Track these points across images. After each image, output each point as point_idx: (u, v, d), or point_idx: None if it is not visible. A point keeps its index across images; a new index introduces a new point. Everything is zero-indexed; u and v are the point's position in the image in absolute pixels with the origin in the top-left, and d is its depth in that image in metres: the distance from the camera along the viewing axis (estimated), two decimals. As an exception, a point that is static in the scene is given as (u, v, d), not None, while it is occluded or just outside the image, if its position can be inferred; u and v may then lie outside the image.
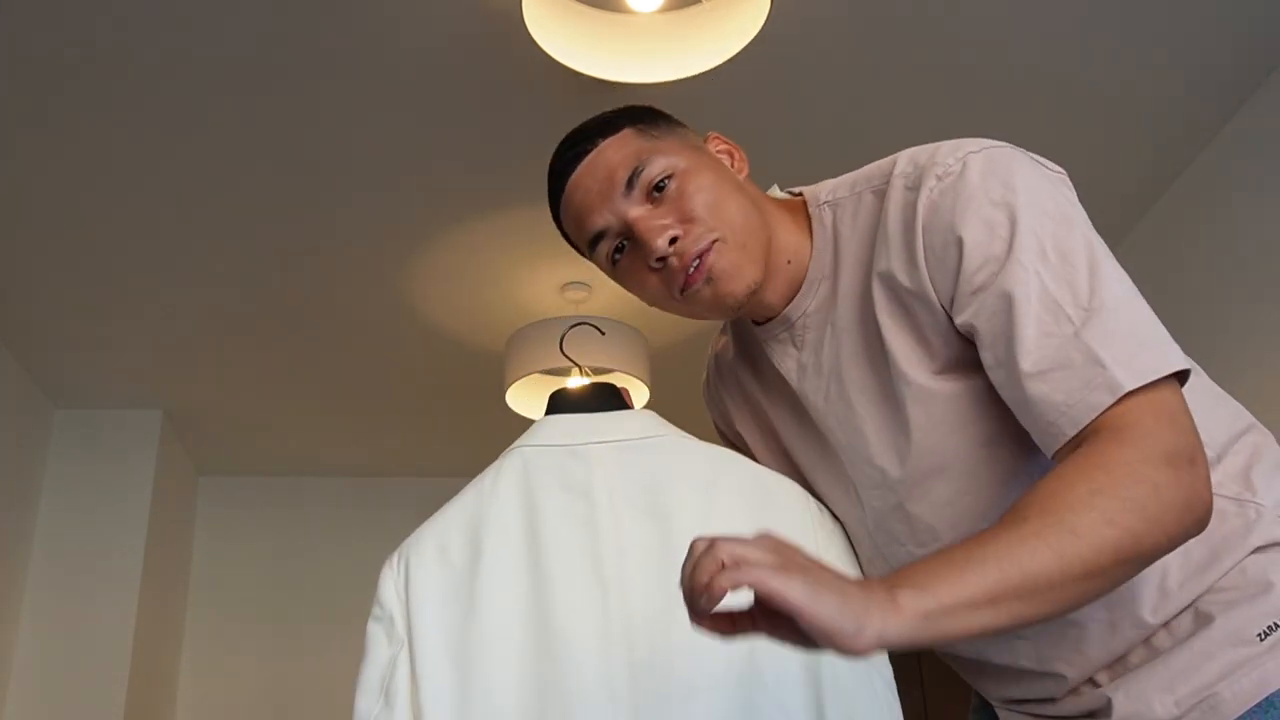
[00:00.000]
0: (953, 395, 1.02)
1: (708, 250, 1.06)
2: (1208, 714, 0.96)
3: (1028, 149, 1.05)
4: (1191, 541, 0.92)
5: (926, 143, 1.11)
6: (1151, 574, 0.99)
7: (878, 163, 1.11)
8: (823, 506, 1.14)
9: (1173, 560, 0.98)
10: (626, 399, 1.21)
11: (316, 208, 2.98)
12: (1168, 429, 0.88)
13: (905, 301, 1.03)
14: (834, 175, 1.18)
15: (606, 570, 1.06)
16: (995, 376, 0.97)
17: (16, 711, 3.61)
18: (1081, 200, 1.03)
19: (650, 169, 1.07)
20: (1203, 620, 0.98)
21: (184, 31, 2.33)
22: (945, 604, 0.77)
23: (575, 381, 3.25)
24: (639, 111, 1.14)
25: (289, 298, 3.42)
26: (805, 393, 1.13)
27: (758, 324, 1.18)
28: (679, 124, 1.16)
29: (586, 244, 1.12)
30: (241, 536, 4.66)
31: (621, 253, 1.10)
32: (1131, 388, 0.88)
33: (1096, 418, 0.89)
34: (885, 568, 1.10)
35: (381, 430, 4.43)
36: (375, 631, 1.08)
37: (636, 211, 1.07)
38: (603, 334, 1.49)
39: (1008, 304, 0.94)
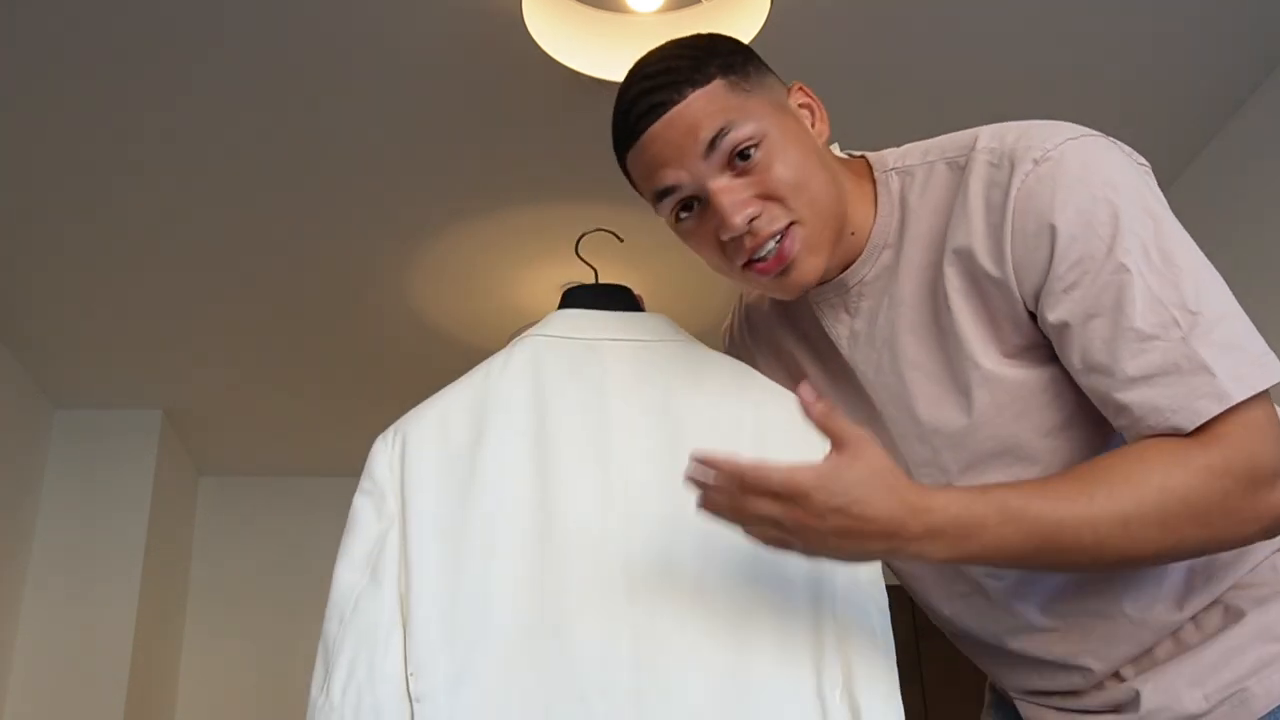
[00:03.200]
0: (1021, 382, 1.00)
1: (785, 234, 1.01)
2: (1237, 708, 0.96)
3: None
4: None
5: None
6: (1177, 566, 0.99)
7: (952, 135, 1.07)
8: None
9: (1196, 564, 0.99)
10: (640, 304, 1.18)
11: (316, 207, 2.98)
12: (1258, 442, 0.88)
13: (981, 283, 0.99)
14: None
15: (613, 467, 1.03)
16: (1087, 379, 0.94)
17: (16, 711, 3.60)
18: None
19: (736, 132, 0.99)
20: (1233, 615, 0.98)
21: (184, 33, 2.33)
22: (973, 559, 0.88)
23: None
24: (731, 55, 1.05)
25: (289, 297, 3.42)
26: (856, 361, 1.10)
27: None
28: (768, 71, 1.07)
29: (653, 195, 1.05)
30: (241, 536, 4.66)
31: (689, 211, 1.04)
32: (1240, 399, 0.87)
33: (1198, 426, 0.88)
34: None
35: (381, 430, 4.42)
36: (363, 505, 1.05)
37: (718, 182, 1.00)
38: (621, 240, 1.43)
39: (1112, 304, 0.92)
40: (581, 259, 1.29)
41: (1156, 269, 0.92)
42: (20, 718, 3.60)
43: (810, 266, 1.03)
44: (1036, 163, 0.96)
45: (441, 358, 3.81)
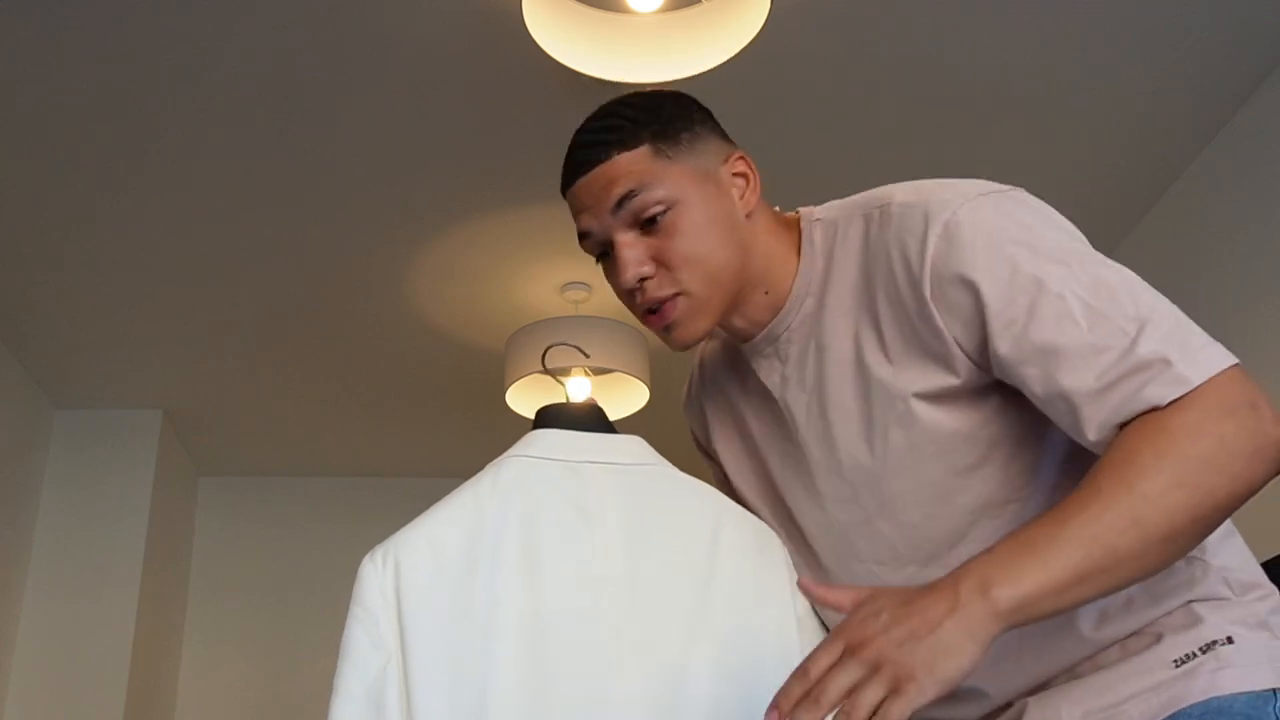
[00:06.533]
0: (937, 423, 1.03)
1: (669, 302, 1.09)
2: None
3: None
4: (1135, 586, 0.95)
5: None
6: (1088, 610, 1.01)
7: (870, 191, 1.12)
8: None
9: (1113, 599, 1.00)
10: (609, 420, 1.23)
11: (317, 208, 2.99)
12: (1225, 386, 0.89)
13: (910, 326, 1.03)
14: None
15: (603, 594, 1.06)
16: (1054, 407, 0.95)
17: (16, 711, 3.61)
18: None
19: (644, 196, 1.07)
20: (1128, 652, 1.01)
21: (186, 36, 2.33)
22: (1034, 594, 0.82)
23: (580, 382, 3.25)
24: (671, 122, 1.11)
25: (290, 298, 3.42)
26: (789, 405, 1.14)
27: (742, 342, 1.19)
28: (710, 137, 1.14)
29: (578, 235, 1.15)
30: (241, 536, 4.67)
31: (604, 257, 1.14)
32: (1200, 381, 0.89)
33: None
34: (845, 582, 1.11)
35: (381, 430, 4.43)
36: (357, 635, 1.02)
37: (623, 237, 1.09)
38: (586, 356, 1.50)
39: (1056, 329, 0.93)
40: (550, 374, 1.36)
41: (1089, 288, 0.95)
42: (20, 718, 3.60)
43: (690, 331, 1.11)
44: (945, 224, 1.00)
45: (441, 358, 3.81)
